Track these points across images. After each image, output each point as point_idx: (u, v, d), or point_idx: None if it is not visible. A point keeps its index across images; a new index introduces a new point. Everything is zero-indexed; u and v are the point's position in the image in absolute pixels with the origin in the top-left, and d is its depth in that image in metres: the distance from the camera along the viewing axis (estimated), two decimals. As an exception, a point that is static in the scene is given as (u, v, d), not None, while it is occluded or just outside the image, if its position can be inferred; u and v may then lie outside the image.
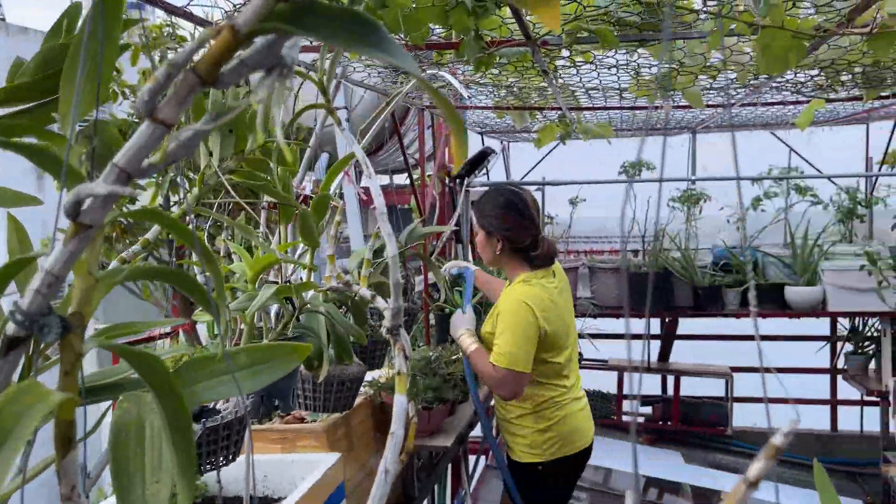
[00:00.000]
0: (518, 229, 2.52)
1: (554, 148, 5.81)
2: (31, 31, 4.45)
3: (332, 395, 1.92)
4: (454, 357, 2.77)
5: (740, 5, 1.29)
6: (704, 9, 1.35)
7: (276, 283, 1.58)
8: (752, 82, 2.20)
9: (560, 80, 2.28)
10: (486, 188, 3.32)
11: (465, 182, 3.62)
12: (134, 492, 0.55)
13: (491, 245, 2.55)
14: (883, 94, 2.66)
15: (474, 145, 4.68)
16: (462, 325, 2.55)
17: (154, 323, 0.73)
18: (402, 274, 2.80)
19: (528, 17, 1.34)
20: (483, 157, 3.64)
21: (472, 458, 4.42)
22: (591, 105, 2.95)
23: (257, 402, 1.51)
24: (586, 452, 2.66)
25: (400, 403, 0.85)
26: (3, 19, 4.63)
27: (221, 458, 1.35)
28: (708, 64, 1.90)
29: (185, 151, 0.34)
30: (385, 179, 6.70)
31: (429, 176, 3.27)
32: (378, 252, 2.32)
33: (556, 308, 2.51)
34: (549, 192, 5.87)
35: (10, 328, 0.38)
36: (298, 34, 0.35)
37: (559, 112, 3.15)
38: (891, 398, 4.65)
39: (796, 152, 5.50)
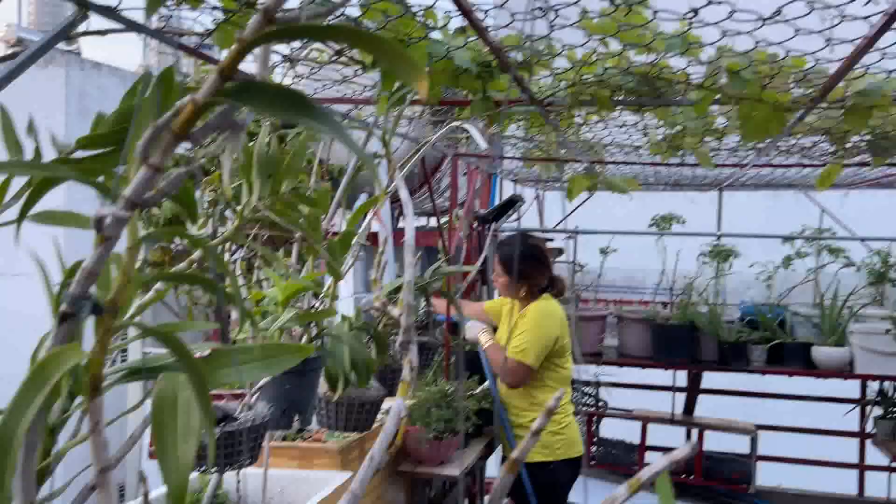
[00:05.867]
0: (538, 275, 3.03)
1: (588, 198, 5.95)
2: (103, 66, 4.79)
3: (353, 415, 2.05)
4: (469, 392, 2.89)
5: (723, 78, 1.43)
6: (690, 81, 1.50)
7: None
8: (758, 145, 2.33)
9: (578, 136, 2.45)
10: (508, 234, 3.54)
11: (493, 227, 3.78)
12: (171, 449, 0.71)
13: (515, 288, 3.05)
14: (893, 162, 2.76)
15: (507, 193, 4.85)
16: (478, 326, 3.06)
17: (187, 324, 0.90)
18: (423, 309, 2.95)
19: (531, 81, 1.52)
20: (511, 203, 3.80)
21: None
22: (613, 160, 3.11)
23: (277, 415, 1.66)
24: (580, 460, 3.08)
25: (397, 405, 0.98)
26: (79, 54, 4.99)
27: (238, 462, 1.49)
28: (713, 127, 2.05)
29: (172, 188, 0.50)
30: (422, 221, 6.91)
31: (457, 218, 3.44)
32: (398, 289, 2.50)
33: (566, 324, 3.02)
34: (581, 242, 6.00)
35: (62, 306, 0.56)
36: (241, 105, 0.48)
37: (585, 165, 3.30)
38: (917, 465, 4.60)
39: (829, 213, 5.54)
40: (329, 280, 1.87)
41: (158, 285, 0.76)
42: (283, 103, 0.49)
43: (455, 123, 2.13)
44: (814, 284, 5.39)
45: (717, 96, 1.46)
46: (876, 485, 5.71)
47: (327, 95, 1.95)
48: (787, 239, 5.36)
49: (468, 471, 2.81)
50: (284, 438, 2.58)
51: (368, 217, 2.47)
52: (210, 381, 0.73)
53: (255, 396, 1.60)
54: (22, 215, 0.69)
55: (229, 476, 2.06)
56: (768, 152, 2.52)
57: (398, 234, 4.45)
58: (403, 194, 0.95)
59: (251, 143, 1.04)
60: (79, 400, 0.76)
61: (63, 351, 0.53)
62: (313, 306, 1.81)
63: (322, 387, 1.92)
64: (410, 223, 1.19)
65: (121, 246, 0.60)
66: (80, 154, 0.72)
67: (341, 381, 1.69)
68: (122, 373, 0.75)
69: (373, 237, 3.65)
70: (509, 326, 3.03)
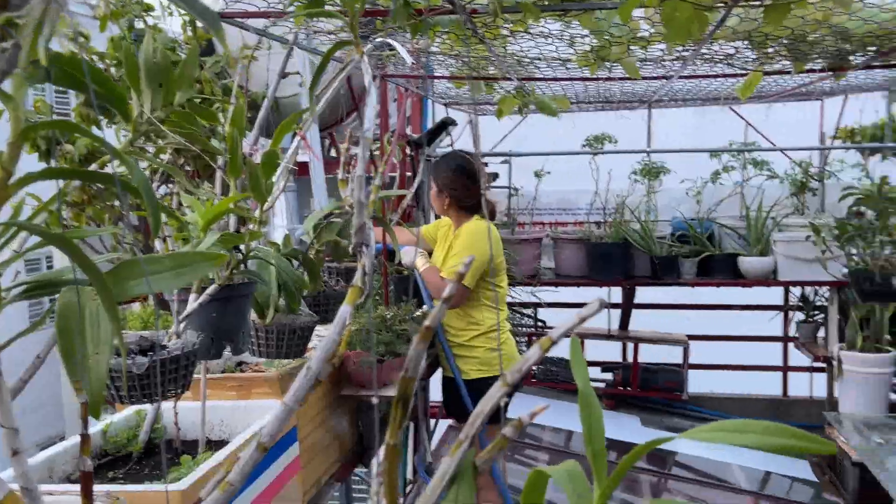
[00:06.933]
0: (464, 191, 2.99)
1: (521, 121, 5.94)
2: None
3: (284, 342, 2.03)
4: (408, 316, 2.90)
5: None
6: (613, -19, 1.47)
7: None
8: (683, 54, 2.34)
9: (506, 50, 2.40)
10: (444, 152, 3.50)
11: (426, 151, 3.73)
12: (80, 362, 0.68)
13: (440, 200, 3.06)
14: (815, 67, 2.82)
15: (438, 116, 4.78)
16: (413, 251, 3.07)
17: (89, 231, 0.86)
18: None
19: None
20: (443, 126, 3.75)
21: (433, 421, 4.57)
22: (542, 76, 3.08)
23: (207, 343, 1.63)
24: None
25: (343, 311, 0.93)
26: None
27: (170, 391, 1.46)
28: (637, 35, 2.03)
29: (9, 66, 0.45)
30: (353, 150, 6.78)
31: (388, 144, 3.38)
32: (331, 213, 2.46)
33: (500, 244, 3.05)
34: (515, 165, 6.01)
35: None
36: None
37: (515, 84, 3.26)
38: (835, 364, 4.88)
39: (752, 126, 5.67)
40: (257, 210, 1.82)
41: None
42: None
43: (379, 39, 2.06)
44: (740, 197, 5.56)
45: (641, -3, 1.44)
46: (798, 385, 6.06)
47: (237, 9, 1.85)
48: (714, 153, 5.47)
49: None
50: (224, 371, 2.56)
51: (295, 143, 2.40)
52: (117, 292, 0.70)
53: (182, 325, 1.56)
54: None
55: (167, 410, 2.04)
56: (693, 60, 2.53)
57: (328, 162, 4.37)
58: (367, 78, 0.91)
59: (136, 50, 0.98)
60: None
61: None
62: (238, 231, 1.76)
63: (254, 316, 1.89)
64: (371, 110, 1.13)
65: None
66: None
67: (271, 306, 1.66)
68: (23, 287, 0.71)
69: (301, 167, 3.57)
70: (444, 248, 3.03)
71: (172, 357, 1.43)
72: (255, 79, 3.11)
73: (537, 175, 5.85)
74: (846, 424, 4.23)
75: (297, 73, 2.56)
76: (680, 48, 2.22)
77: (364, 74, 0.87)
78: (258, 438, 0.73)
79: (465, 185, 2.99)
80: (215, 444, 2.02)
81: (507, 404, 3.15)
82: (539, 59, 2.53)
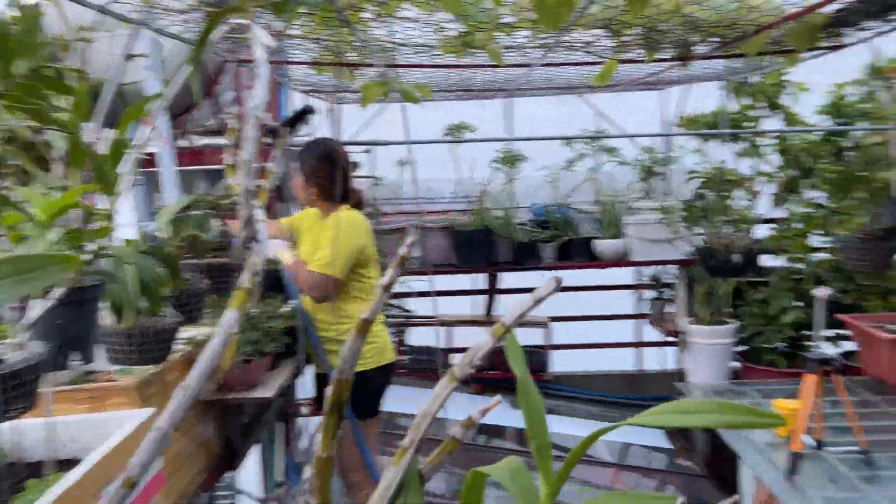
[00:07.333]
0: (330, 180, 2.90)
1: (383, 110, 5.89)
2: None
3: (146, 347, 1.87)
4: (273, 314, 2.79)
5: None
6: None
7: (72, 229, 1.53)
8: (545, 41, 2.38)
9: (371, 34, 2.34)
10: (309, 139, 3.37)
11: (284, 140, 3.59)
12: None
13: (307, 190, 2.95)
14: (664, 57, 2.96)
15: (298, 104, 4.63)
16: (278, 244, 2.96)
17: None
18: (220, 227, 2.76)
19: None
20: (303, 114, 3.62)
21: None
22: (407, 63, 3.04)
23: (53, 353, 1.46)
24: (392, 366, 3.05)
25: (228, 318, 0.83)
26: None
27: (11, 409, 1.30)
28: (502, 21, 2.04)
29: None
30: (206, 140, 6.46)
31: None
32: (188, 207, 2.31)
33: (370, 234, 2.95)
34: (379, 155, 5.96)
35: None
36: None
37: (378, 71, 3.20)
38: (683, 337, 5.21)
39: (602, 114, 5.92)
40: (99, 202, 1.66)
41: None
42: None
43: (236, 20, 1.93)
44: (594, 183, 5.79)
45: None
46: (653, 359, 6.43)
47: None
48: (568, 140, 5.66)
49: (281, 392, 2.73)
50: (72, 382, 2.34)
51: (146, 132, 2.23)
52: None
53: (24, 335, 1.39)
54: None
55: (5, 430, 1.83)
56: (554, 49, 2.58)
57: (180, 153, 4.10)
58: (258, 50, 0.82)
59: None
60: None
61: None
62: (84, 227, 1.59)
63: (107, 318, 1.72)
64: (263, 86, 1.04)
65: None
66: None
67: (131, 308, 1.52)
68: None
69: (147, 158, 3.30)
70: (312, 240, 2.93)
71: (13, 372, 1.27)
72: (93, 64, 2.85)
73: (401, 164, 5.82)
74: (695, 393, 4.51)
75: (144, 55, 2.37)
76: (543, 36, 2.25)
77: (254, 45, 0.79)
78: (126, 473, 0.63)
79: (331, 174, 2.89)
80: (66, 464, 1.84)
81: (381, 396, 3.10)
82: (403, 45, 2.49)
